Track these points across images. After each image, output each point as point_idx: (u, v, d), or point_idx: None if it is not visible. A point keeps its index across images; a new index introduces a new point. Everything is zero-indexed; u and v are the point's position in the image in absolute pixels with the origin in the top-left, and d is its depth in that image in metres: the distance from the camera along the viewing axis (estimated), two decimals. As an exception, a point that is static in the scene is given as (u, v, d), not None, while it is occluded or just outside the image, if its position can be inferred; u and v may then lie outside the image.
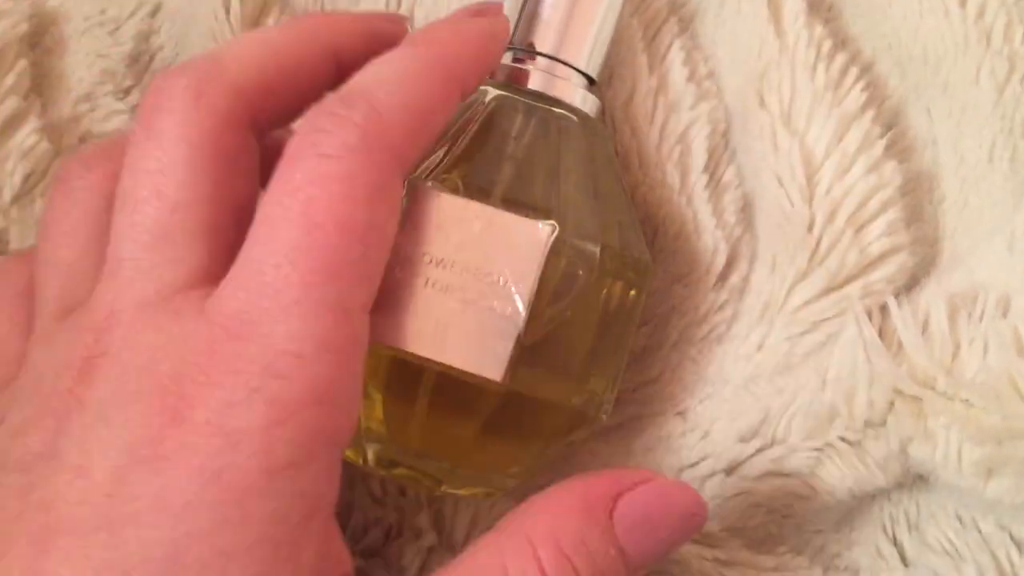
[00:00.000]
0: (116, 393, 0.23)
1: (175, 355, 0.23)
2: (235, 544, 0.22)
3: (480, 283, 0.27)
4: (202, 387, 0.22)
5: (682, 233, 0.33)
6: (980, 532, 0.31)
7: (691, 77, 0.34)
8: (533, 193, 0.29)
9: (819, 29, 0.33)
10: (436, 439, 0.29)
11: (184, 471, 0.22)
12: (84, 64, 0.35)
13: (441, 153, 0.29)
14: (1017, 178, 0.33)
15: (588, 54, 0.31)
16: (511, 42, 0.31)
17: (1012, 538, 0.31)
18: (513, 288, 0.27)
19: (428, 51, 0.26)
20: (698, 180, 0.33)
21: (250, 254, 0.23)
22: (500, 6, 0.30)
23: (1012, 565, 0.30)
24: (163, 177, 0.25)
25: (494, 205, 0.27)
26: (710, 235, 0.33)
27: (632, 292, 0.30)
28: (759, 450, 0.32)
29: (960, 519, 0.32)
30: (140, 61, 0.36)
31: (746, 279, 0.34)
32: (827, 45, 0.33)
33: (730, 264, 0.34)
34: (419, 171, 0.28)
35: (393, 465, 0.30)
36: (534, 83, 0.31)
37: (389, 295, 0.27)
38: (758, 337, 0.33)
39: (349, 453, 0.30)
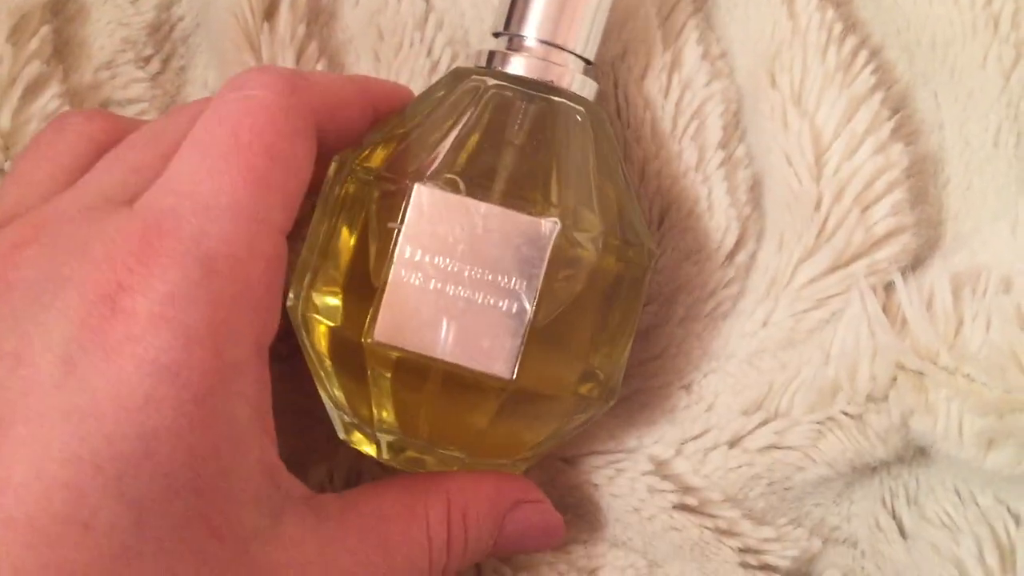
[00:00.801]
0: (48, 277, 0.23)
1: (108, 242, 0.23)
2: (203, 442, 0.23)
3: (486, 282, 0.27)
4: (140, 277, 0.23)
5: (694, 211, 0.34)
6: (978, 506, 0.32)
7: (705, 56, 0.34)
8: (534, 186, 0.29)
9: (830, 12, 0.34)
10: (446, 429, 0.29)
11: (138, 364, 0.22)
12: (106, 32, 0.36)
13: (440, 149, 0.29)
14: (1021, 163, 0.33)
15: (585, 37, 0.31)
16: (505, 28, 0.31)
17: (1010, 511, 0.31)
18: (519, 286, 0.27)
19: (358, 76, 0.30)
20: (714, 156, 0.34)
21: (180, 166, 0.25)
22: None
23: (1009, 537, 0.31)
24: (166, 135, 0.28)
25: (496, 200, 0.28)
26: (723, 213, 0.34)
27: (635, 279, 0.30)
28: (762, 423, 0.33)
29: (959, 493, 0.32)
30: (161, 31, 0.36)
31: (753, 256, 0.34)
32: (838, 28, 0.33)
33: (739, 242, 0.34)
34: (420, 169, 0.28)
35: (406, 455, 0.30)
36: (531, 71, 0.30)
37: (395, 297, 0.27)
38: (763, 313, 0.34)
39: (364, 445, 0.31)
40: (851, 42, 0.33)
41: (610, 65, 0.34)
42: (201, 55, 0.37)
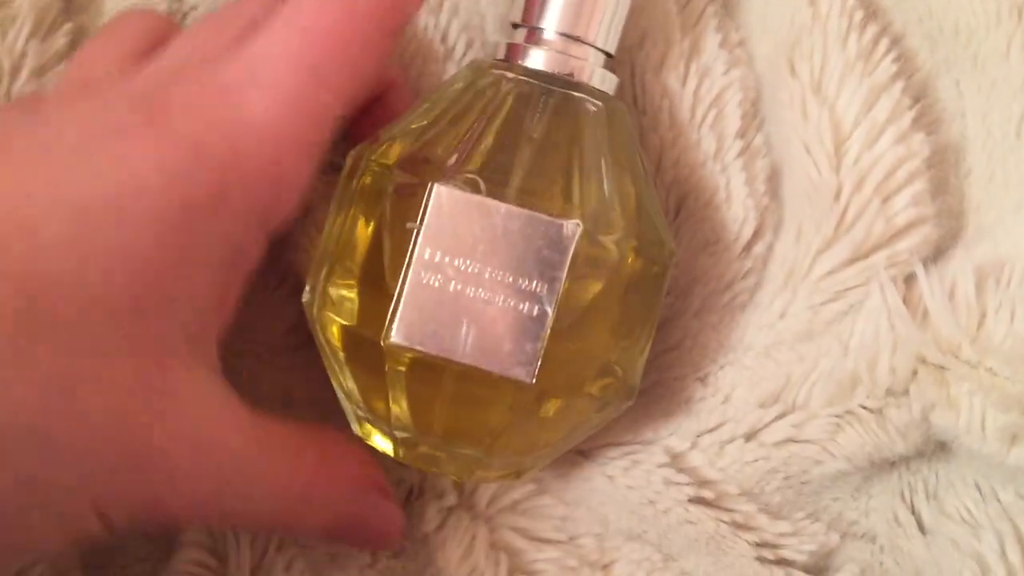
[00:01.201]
0: (109, 98, 0.27)
1: (171, 93, 0.27)
2: (167, 235, 0.25)
3: (506, 284, 0.27)
4: (185, 112, 0.26)
5: (712, 201, 0.34)
6: (1000, 501, 0.31)
7: (723, 43, 0.34)
8: (555, 185, 0.28)
9: (851, 0, 0.33)
10: (461, 428, 0.29)
11: (147, 151, 0.25)
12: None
13: (460, 148, 0.28)
14: (1044, 153, 0.33)
15: (605, 30, 0.30)
16: (523, 20, 0.30)
17: (1031, 508, 0.31)
18: (540, 288, 0.27)
19: None
20: (732, 146, 0.33)
21: (256, 41, 0.27)
22: None
23: (1031, 534, 0.31)
24: (239, 18, 0.29)
25: (515, 199, 0.27)
26: (740, 204, 0.33)
27: (655, 277, 0.30)
28: (779, 416, 0.33)
29: (979, 488, 0.32)
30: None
31: (771, 247, 0.34)
32: (859, 15, 0.33)
33: (756, 232, 0.34)
34: (439, 167, 0.28)
35: (419, 452, 0.30)
36: (550, 65, 0.30)
37: (414, 298, 0.27)
38: (781, 305, 0.33)
39: (377, 440, 0.30)
40: (872, 30, 0.33)
41: (627, 53, 0.34)
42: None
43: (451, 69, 0.35)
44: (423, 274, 0.27)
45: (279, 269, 0.34)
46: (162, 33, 0.31)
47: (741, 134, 0.33)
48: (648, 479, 0.34)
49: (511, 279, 0.27)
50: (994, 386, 0.29)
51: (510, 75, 0.30)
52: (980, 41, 0.33)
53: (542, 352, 0.27)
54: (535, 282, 0.27)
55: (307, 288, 0.30)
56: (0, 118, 0.29)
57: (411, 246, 0.27)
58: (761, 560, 0.33)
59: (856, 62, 0.32)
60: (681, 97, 0.33)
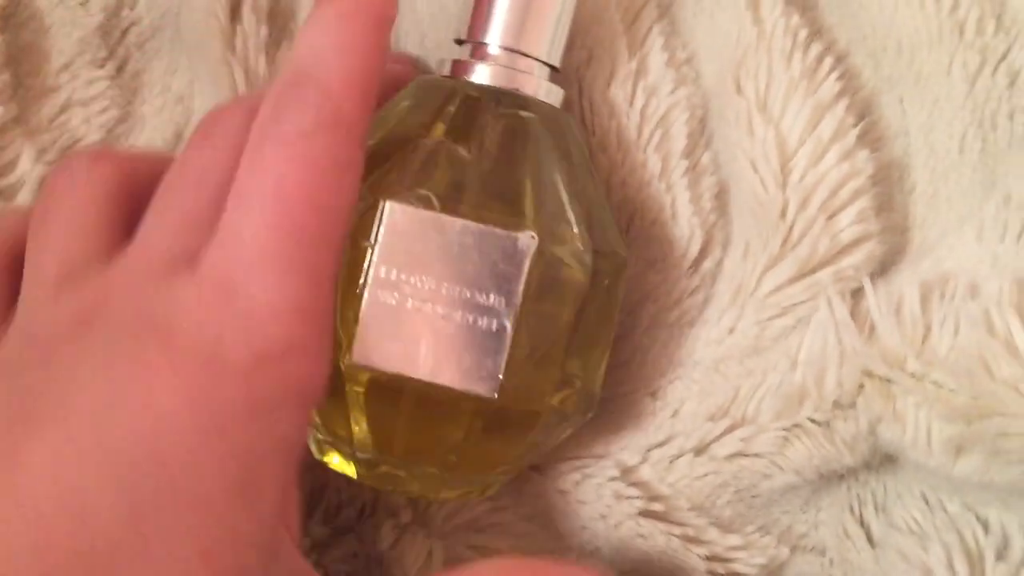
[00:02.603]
0: (109, 329, 0.25)
1: (168, 307, 0.24)
2: (213, 464, 0.23)
3: (464, 300, 0.27)
4: (190, 326, 0.24)
5: (658, 220, 0.34)
6: (947, 512, 0.32)
7: (670, 62, 0.34)
8: (507, 199, 0.28)
9: (795, 18, 0.34)
10: (421, 447, 0.29)
11: (169, 383, 0.23)
12: (61, 35, 0.35)
13: (410, 163, 0.28)
14: (986, 169, 0.33)
15: (550, 43, 0.30)
16: (469, 35, 0.30)
17: (978, 518, 0.32)
18: (498, 303, 0.27)
19: (349, 6, 0.27)
20: (677, 165, 0.34)
21: (230, 225, 0.25)
22: None
23: (978, 544, 0.31)
24: (207, 173, 0.27)
25: (469, 215, 0.27)
26: (686, 221, 0.34)
27: (610, 287, 0.30)
28: (728, 430, 0.33)
29: (927, 500, 0.32)
30: (112, 35, 0.36)
31: (719, 264, 0.34)
32: (803, 34, 0.33)
33: (704, 250, 0.34)
34: (391, 185, 0.28)
35: (380, 471, 0.30)
36: (496, 79, 0.30)
37: (372, 317, 0.27)
38: (729, 321, 0.33)
39: (342, 466, 0.30)
40: (816, 48, 0.33)
41: (575, 71, 0.34)
42: (160, 60, 0.36)
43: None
44: (380, 292, 0.27)
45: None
46: (118, 184, 0.29)
47: (687, 153, 0.34)
48: (599, 493, 0.34)
49: (468, 294, 0.27)
50: (939, 398, 0.29)
51: (457, 91, 0.30)
52: (923, 59, 0.34)
53: (503, 366, 0.27)
54: (492, 296, 0.27)
55: None
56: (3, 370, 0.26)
57: (367, 264, 0.27)
58: (712, 573, 0.33)
59: (801, 81, 0.33)
60: (628, 116, 0.34)
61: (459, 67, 0.30)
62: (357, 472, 0.30)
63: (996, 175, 0.33)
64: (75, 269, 0.27)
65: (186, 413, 0.23)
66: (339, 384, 0.28)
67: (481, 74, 0.30)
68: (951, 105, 0.33)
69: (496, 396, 0.27)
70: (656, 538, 0.33)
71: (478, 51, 0.30)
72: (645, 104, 0.34)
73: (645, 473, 0.34)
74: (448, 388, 0.27)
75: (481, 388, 0.27)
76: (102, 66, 0.35)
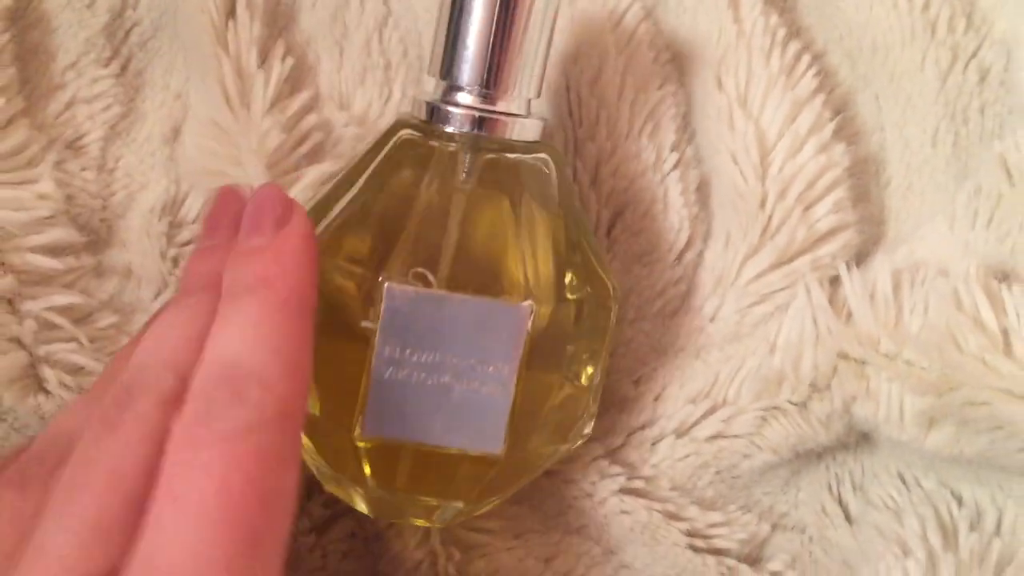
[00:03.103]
0: None
1: None
2: None
3: (467, 369, 0.28)
4: None
5: (650, 212, 0.35)
6: (922, 488, 0.33)
7: (656, 60, 0.35)
8: (497, 260, 0.29)
9: (774, 18, 0.35)
10: (428, 486, 0.30)
11: None
12: (68, 35, 0.37)
13: (402, 242, 0.28)
14: (959, 162, 0.35)
15: (527, 78, 0.29)
16: (441, 76, 0.29)
17: (953, 494, 0.33)
18: (500, 369, 0.28)
19: (270, 294, 0.26)
20: (668, 157, 0.35)
21: (172, 525, 0.22)
22: (276, 194, 0.28)
23: (952, 518, 0.32)
24: (123, 470, 0.24)
25: (465, 288, 0.28)
26: (676, 213, 0.35)
27: (605, 317, 0.31)
28: (708, 412, 0.34)
29: (902, 478, 0.34)
30: (116, 35, 0.37)
31: (701, 255, 0.35)
32: (781, 33, 0.35)
33: (688, 241, 0.35)
34: (385, 262, 0.28)
35: (385, 510, 0.31)
36: (470, 125, 0.29)
37: (380, 394, 0.28)
38: (711, 309, 0.35)
39: (343, 495, 0.31)
40: (794, 47, 0.35)
41: (562, 66, 0.35)
42: (161, 60, 0.37)
43: (390, 77, 0.36)
44: (385, 370, 0.27)
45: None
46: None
47: (676, 146, 0.35)
48: (584, 472, 0.35)
49: (471, 363, 0.28)
50: (911, 374, 0.30)
51: (432, 143, 0.29)
52: (896, 57, 0.35)
53: (507, 426, 0.28)
54: (493, 364, 0.28)
55: None
56: None
57: (371, 345, 0.27)
58: (694, 548, 0.35)
59: (779, 77, 0.34)
60: (618, 108, 0.35)
61: (433, 113, 0.30)
62: (367, 510, 0.31)
63: (968, 167, 0.35)
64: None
65: None
66: (347, 447, 0.29)
67: (455, 120, 0.29)
68: (924, 101, 0.35)
69: (501, 452, 0.28)
70: (639, 513, 0.34)
71: (450, 93, 0.29)
72: (635, 98, 0.35)
73: (629, 455, 0.35)
74: (463, 452, 0.28)
75: (489, 447, 0.28)
76: (106, 65, 0.37)
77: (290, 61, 0.36)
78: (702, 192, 0.36)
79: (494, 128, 0.29)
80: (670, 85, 0.36)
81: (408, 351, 0.27)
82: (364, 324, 0.27)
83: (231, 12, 0.36)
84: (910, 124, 0.35)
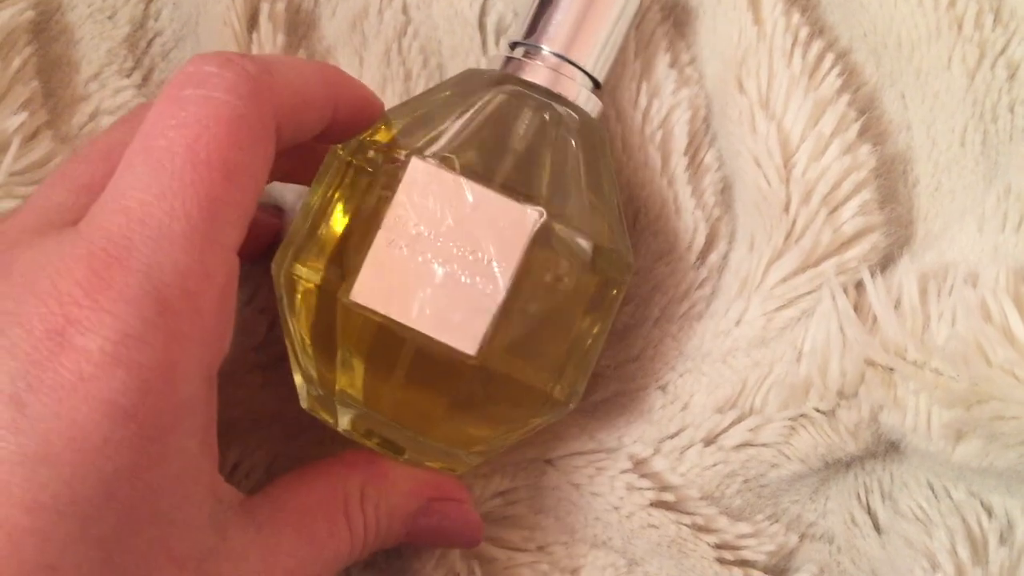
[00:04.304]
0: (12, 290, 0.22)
1: (53, 272, 0.22)
2: (157, 480, 0.23)
3: (466, 260, 0.28)
4: (90, 311, 0.22)
5: (663, 214, 0.35)
6: (952, 499, 0.32)
7: (673, 63, 0.35)
8: (531, 184, 0.30)
9: (796, 17, 0.34)
10: (408, 409, 0.30)
11: (92, 406, 0.21)
12: (91, 47, 0.37)
13: (443, 132, 0.30)
14: (988, 161, 0.34)
15: (596, 57, 0.32)
16: (524, 38, 0.32)
17: (983, 504, 0.32)
18: (496, 267, 0.28)
19: (323, 65, 0.28)
20: (679, 163, 0.34)
21: (129, 178, 0.23)
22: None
23: (982, 529, 0.31)
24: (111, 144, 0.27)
25: (486, 184, 0.28)
26: (689, 215, 0.34)
27: (614, 291, 0.31)
28: (736, 420, 0.33)
29: (932, 487, 0.33)
30: (139, 46, 0.38)
31: (725, 257, 0.35)
32: (804, 32, 0.34)
33: (709, 243, 0.35)
34: (419, 147, 0.29)
35: (364, 430, 0.31)
36: (541, 79, 0.31)
37: (378, 262, 0.28)
38: (736, 313, 0.34)
39: (323, 415, 0.31)
40: (817, 46, 0.34)
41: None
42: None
43: (411, 88, 0.36)
44: (389, 240, 0.28)
45: (248, 286, 0.35)
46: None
47: (689, 151, 0.35)
48: (612, 485, 0.35)
49: (472, 256, 0.28)
50: (938, 385, 0.30)
51: (502, 82, 0.31)
52: (922, 54, 0.34)
53: (490, 329, 0.28)
54: (494, 261, 0.28)
55: (277, 256, 0.30)
56: None
57: (382, 213, 0.28)
58: (721, 561, 0.34)
59: (801, 77, 0.34)
60: (632, 118, 0.35)
61: (509, 64, 0.32)
62: (345, 426, 0.31)
63: (998, 167, 0.34)
64: None
65: (121, 436, 0.22)
66: (339, 332, 0.29)
67: (529, 72, 0.31)
68: (952, 99, 0.34)
69: (477, 354, 0.28)
70: (667, 528, 0.34)
71: (528, 53, 0.32)
72: (648, 105, 0.35)
73: (657, 464, 0.35)
74: (437, 345, 0.28)
75: (465, 345, 0.28)
76: (129, 76, 0.37)
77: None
78: (725, 195, 0.35)
79: (562, 89, 0.31)
80: (687, 89, 0.35)
81: (415, 228, 0.28)
82: (383, 193, 0.29)
83: (253, 22, 0.36)
84: (937, 122, 0.35)
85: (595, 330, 0.31)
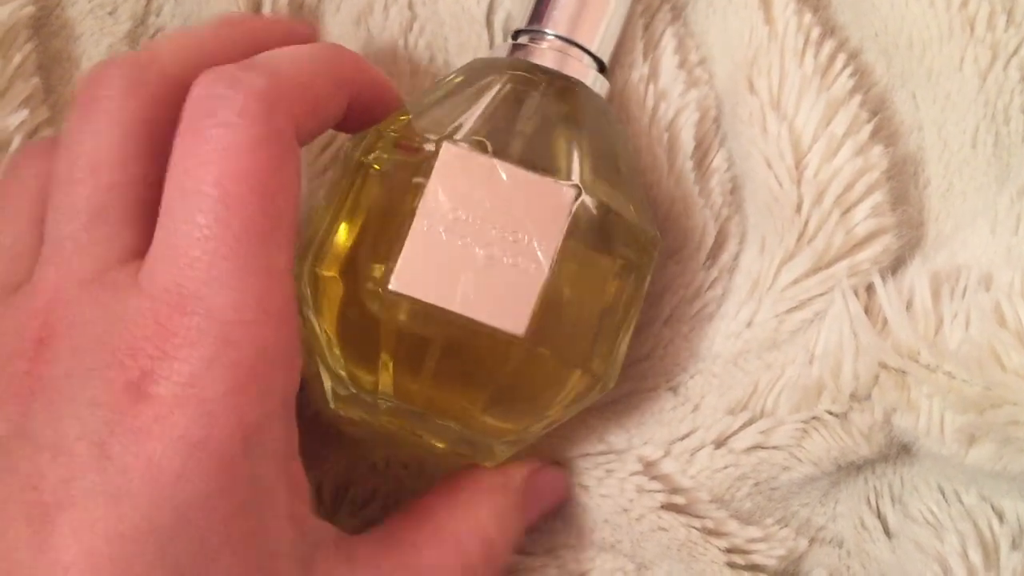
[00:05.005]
0: (74, 370, 0.24)
1: (124, 330, 0.24)
2: (230, 507, 0.24)
3: (506, 241, 0.28)
4: (159, 361, 0.23)
5: (672, 212, 0.34)
6: (963, 503, 0.32)
7: (682, 64, 0.35)
8: (555, 160, 0.30)
9: (808, 17, 0.34)
10: (444, 401, 0.30)
11: (166, 443, 0.23)
12: (92, 43, 0.36)
13: (468, 117, 0.30)
14: (1000, 163, 0.34)
15: (600, 38, 0.32)
16: (528, 24, 0.32)
17: (994, 509, 0.32)
18: (537, 246, 0.28)
19: (327, 50, 0.28)
20: (685, 164, 0.34)
21: (173, 226, 0.24)
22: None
23: (993, 534, 0.31)
24: (98, 157, 0.26)
25: (519, 164, 0.28)
26: (699, 213, 0.34)
27: (643, 267, 0.31)
28: (747, 423, 0.33)
29: (943, 491, 0.33)
30: (139, 41, 0.37)
31: (736, 258, 0.35)
32: (815, 32, 0.34)
33: (720, 244, 0.35)
34: (448, 132, 0.29)
35: (397, 425, 0.31)
36: (548, 62, 0.32)
37: (416, 248, 0.28)
38: (747, 314, 0.34)
39: (354, 412, 0.31)
40: (829, 46, 0.34)
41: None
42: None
43: (418, 84, 0.36)
44: (426, 225, 0.28)
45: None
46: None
47: (698, 152, 0.34)
48: (622, 487, 0.35)
49: (511, 237, 0.28)
50: (951, 388, 0.30)
51: (511, 66, 0.31)
52: (934, 55, 0.34)
53: (534, 307, 0.28)
54: (534, 240, 0.28)
55: (297, 258, 0.30)
56: None
57: (418, 199, 0.28)
58: (732, 565, 0.34)
59: (813, 77, 0.33)
60: (640, 120, 0.34)
61: (516, 49, 0.32)
62: (378, 415, 0.30)
63: (1010, 168, 0.34)
64: (14, 271, 0.27)
65: (191, 468, 0.23)
66: (373, 325, 0.28)
67: (536, 55, 0.32)
68: (963, 100, 0.34)
69: (525, 333, 0.28)
70: (677, 531, 0.34)
71: (534, 38, 0.32)
72: (655, 106, 0.34)
73: (667, 466, 0.34)
74: (483, 328, 0.28)
75: (512, 326, 0.28)
76: (130, 73, 0.37)
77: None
78: (736, 195, 0.35)
79: (570, 71, 0.32)
80: (696, 90, 0.35)
81: (451, 212, 0.28)
82: (416, 180, 0.28)
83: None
84: (949, 123, 0.34)
85: (626, 306, 0.31)
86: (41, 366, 0.24)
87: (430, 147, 0.28)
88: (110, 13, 0.36)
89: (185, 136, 0.25)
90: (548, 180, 0.28)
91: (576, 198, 0.28)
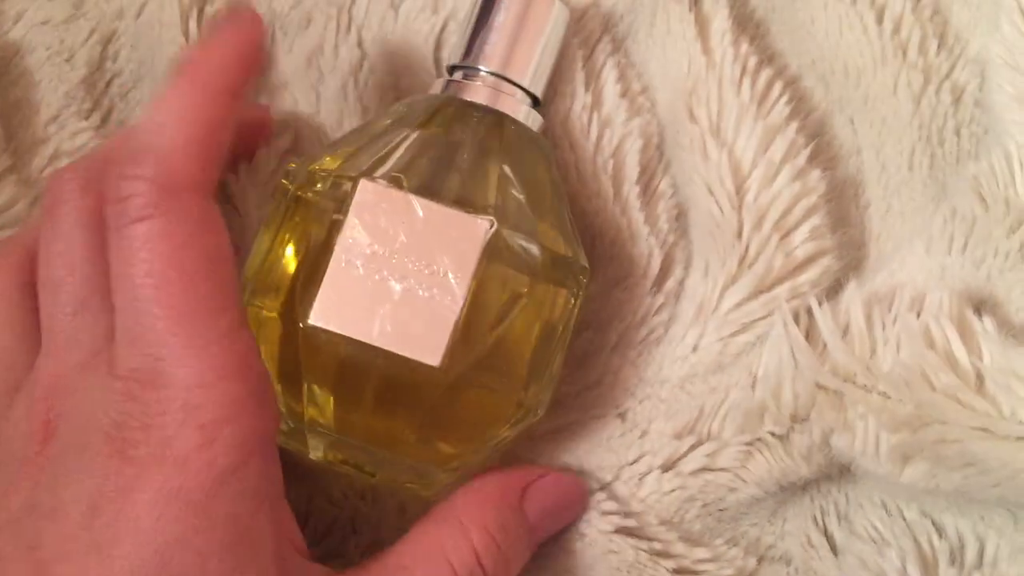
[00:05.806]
0: (70, 447, 0.27)
1: (109, 407, 0.27)
2: (208, 546, 0.26)
3: (422, 274, 0.29)
4: (139, 431, 0.26)
5: (617, 240, 0.35)
6: (905, 519, 0.33)
7: (624, 93, 0.36)
8: (479, 198, 0.30)
9: (745, 47, 0.35)
10: (380, 432, 0.31)
11: (147, 494, 0.26)
12: (50, 89, 0.37)
13: (391, 158, 0.30)
14: (936, 184, 0.34)
15: (532, 73, 0.33)
16: (461, 61, 0.33)
17: (934, 524, 0.32)
18: (452, 278, 0.29)
19: (193, 78, 0.29)
20: (631, 191, 0.35)
21: (126, 315, 0.27)
22: (250, 9, 0.31)
23: (933, 548, 0.32)
24: (72, 259, 0.29)
25: (435, 199, 0.29)
26: (644, 241, 0.35)
27: (571, 296, 0.31)
28: (693, 446, 0.34)
29: (886, 508, 0.33)
30: (96, 87, 0.38)
31: (681, 283, 0.35)
32: (752, 61, 0.35)
33: (665, 269, 0.35)
34: (367, 169, 0.30)
35: (336, 457, 0.31)
36: (481, 98, 0.32)
37: (334, 283, 0.29)
38: (693, 338, 0.35)
39: (293, 444, 0.31)
40: (766, 74, 0.35)
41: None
42: (143, 109, 0.38)
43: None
44: (344, 260, 0.29)
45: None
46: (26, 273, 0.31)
47: (642, 179, 0.35)
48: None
49: (427, 270, 0.29)
50: (885, 408, 0.30)
51: (444, 103, 0.32)
52: (869, 81, 0.35)
53: (452, 339, 0.29)
54: (448, 272, 0.29)
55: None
56: None
57: (336, 235, 0.29)
58: (681, 586, 0.34)
59: (750, 105, 0.34)
60: (584, 148, 0.35)
61: (449, 86, 0.33)
62: (317, 452, 0.31)
63: (945, 189, 0.34)
64: (15, 370, 0.30)
65: (170, 512, 0.26)
66: (304, 362, 0.30)
67: (468, 92, 0.32)
68: (899, 123, 0.35)
69: (441, 364, 0.29)
70: (626, 553, 0.34)
71: (467, 75, 0.33)
72: (599, 135, 0.35)
73: (619, 490, 0.35)
74: (401, 361, 0.29)
75: (428, 357, 0.29)
76: (87, 117, 0.37)
77: (268, 104, 0.37)
78: (680, 221, 0.36)
79: (502, 106, 0.32)
80: (639, 118, 0.36)
81: (369, 247, 0.29)
82: (334, 216, 0.29)
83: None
84: (886, 146, 0.35)
85: (556, 335, 0.31)
86: (48, 447, 0.28)
87: (347, 185, 0.29)
88: (67, 60, 0.37)
89: (112, 237, 0.27)
90: (462, 214, 0.29)
91: (490, 230, 0.29)
